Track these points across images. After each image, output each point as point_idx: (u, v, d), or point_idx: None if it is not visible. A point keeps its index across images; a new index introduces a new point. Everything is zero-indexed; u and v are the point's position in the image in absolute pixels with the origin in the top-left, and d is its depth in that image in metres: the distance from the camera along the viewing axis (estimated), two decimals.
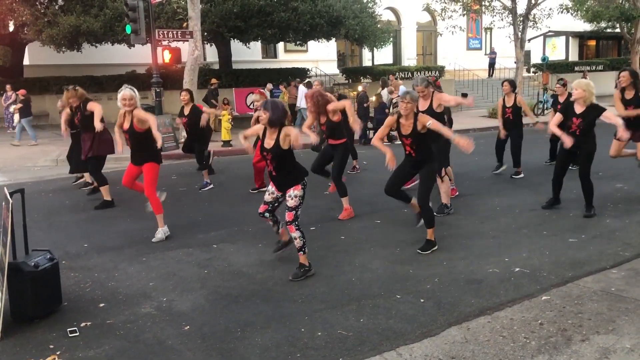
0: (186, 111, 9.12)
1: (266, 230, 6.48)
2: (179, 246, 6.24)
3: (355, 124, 7.39)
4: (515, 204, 7.53)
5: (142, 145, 6.51)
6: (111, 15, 17.15)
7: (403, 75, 23.67)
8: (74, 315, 4.50)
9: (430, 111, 6.78)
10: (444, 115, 7.17)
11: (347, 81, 24.33)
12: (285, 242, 5.73)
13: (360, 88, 15.93)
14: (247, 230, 6.78)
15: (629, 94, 7.56)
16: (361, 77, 23.91)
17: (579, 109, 6.73)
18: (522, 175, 9.43)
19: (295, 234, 5.16)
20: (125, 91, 6.44)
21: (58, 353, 3.91)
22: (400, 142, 5.97)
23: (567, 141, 6.57)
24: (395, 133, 6.29)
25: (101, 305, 4.72)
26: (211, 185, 9.29)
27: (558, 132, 6.81)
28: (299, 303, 4.64)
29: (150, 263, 5.73)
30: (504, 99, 9.33)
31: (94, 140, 8.28)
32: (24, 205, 4.63)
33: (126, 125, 6.51)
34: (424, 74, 25.46)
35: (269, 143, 5.11)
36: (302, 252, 5.21)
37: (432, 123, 5.56)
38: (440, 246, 5.90)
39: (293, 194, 5.14)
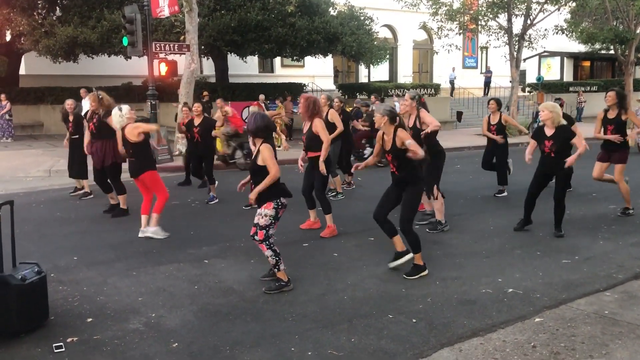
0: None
1: (257, 247, 6.42)
2: (170, 261, 6.18)
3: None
4: (509, 224, 7.50)
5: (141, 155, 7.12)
6: (108, 27, 17.19)
7: (399, 93, 23.78)
8: (60, 330, 4.43)
9: (414, 128, 6.89)
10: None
11: (343, 97, 24.41)
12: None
13: (355, 104, 15.92)
14: (239, 246, 6.72)
15: (612, 114, 7.86)
16: (357, 94, 24.00)
17: (548, 131, 6.80)
18: (505, 194, 9.48)
19: (267, 252, 5.17)
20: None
21: None
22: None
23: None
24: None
25: (89, 320, 4.64)
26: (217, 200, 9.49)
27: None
28: (289, 322, 4.58)
29: (140, 278, 5.66)
30: (489, 117, 9.49)
31: (111, 148, 8.28)
32: (12, 216, 4.56)
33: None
34: (420, 91, 25.66)
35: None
36: (277, 270, 5.21)
37: (410, 143, 5.32)
38: (434, 265, 5.85)
39: (263, 212, 5.09)
